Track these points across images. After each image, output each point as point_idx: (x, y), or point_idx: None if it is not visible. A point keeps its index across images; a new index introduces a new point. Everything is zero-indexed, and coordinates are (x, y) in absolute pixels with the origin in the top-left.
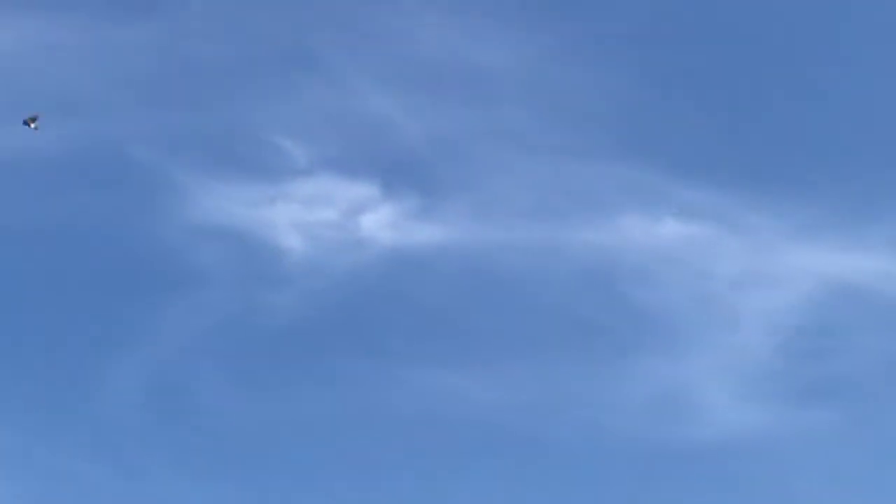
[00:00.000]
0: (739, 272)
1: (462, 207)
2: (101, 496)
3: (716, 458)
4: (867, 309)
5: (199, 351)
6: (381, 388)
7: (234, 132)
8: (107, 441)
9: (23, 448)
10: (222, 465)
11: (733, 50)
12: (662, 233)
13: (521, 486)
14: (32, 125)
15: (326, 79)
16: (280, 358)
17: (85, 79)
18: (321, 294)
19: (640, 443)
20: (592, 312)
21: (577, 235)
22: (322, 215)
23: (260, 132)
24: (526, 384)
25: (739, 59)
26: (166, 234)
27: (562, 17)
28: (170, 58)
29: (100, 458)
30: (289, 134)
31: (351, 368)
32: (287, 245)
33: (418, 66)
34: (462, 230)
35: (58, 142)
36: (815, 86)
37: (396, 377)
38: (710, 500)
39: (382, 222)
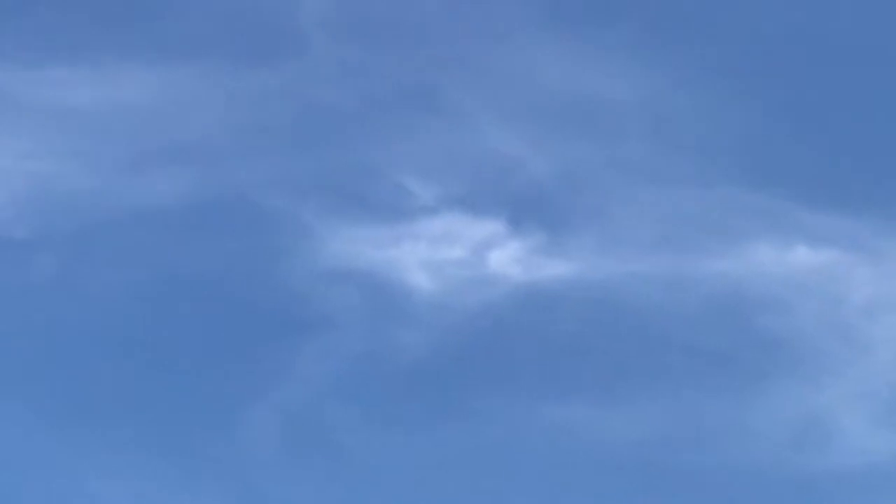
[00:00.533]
0: (872, 298)
1: (589, 241)
2: None
3: (855, 484)
4: None
5: (333, 392)
6: (515, 423)
7: (359, 174)
8: (245, 484)
9: (162, 495)
10: (358, 499)
11: (860, 74)
12: (792, 260)
13: None
14: None
15: (450, 117)
16: (413, 396)
17: (210, 126)
18: (451, 331)
19: (778, 471)
20: (724, 342)
21: (705, 265)
22: (449, 253)
23: (385, 172)
24: (660, 416)
25: (867, 84)
26: (295, 277)
27: (683, 48)
28: (293, 103)
29: (239, 495)
30: (414, 173)
31: (484, 404)
32: (416, 284)
33: (541, 101)
34: (590, 263)
35: (185, 190)
36: None
37: (529, 412)
38: None
39: (510, 258)
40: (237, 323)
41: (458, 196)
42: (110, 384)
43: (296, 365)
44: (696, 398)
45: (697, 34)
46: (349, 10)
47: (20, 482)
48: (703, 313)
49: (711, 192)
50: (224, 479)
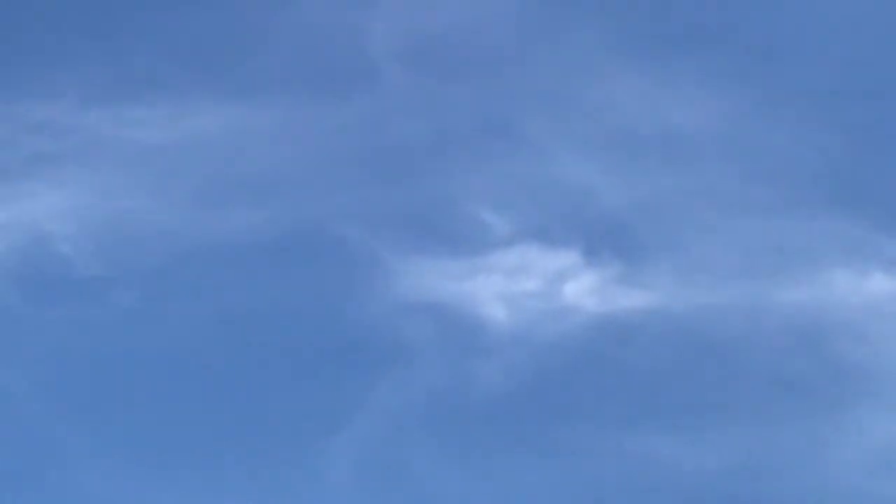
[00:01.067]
0: None
1: (666, 271)
2: None
3: None
4: None
5: (410, 425)
6: (593, 456)
7: (433, 206)
8: None
9: None
10: None
11: None
12: (871, 287)
13: None
14: None
15: (523, 147)
16: (490, 429)
17: (287, 161)
18: (528, 363)
19: (859, 500)
20: (802, 371)
21: (784, 294)
22: (525, 285)
23: (460, 205)
24: (742, 448)
25: None
26: (371, 311)
27: (759, 75)
28: (366, 136)
29: None
30: (489, 205)
31: (562, 437)
32: (492, 316)
33: (615, 130)
34: (667, 294)
35: (263, 224)
36: None
37: (608, 444)
38: None
39: (586, 289)
40: (313, 356)
41: (533, 227)
42: (188, 418)
43: (372, 398)
44: (776, 428)
45: (773, 60)
46: (420, 42)
47: None
48: (782, 342)
49: (789, 221)
50: None
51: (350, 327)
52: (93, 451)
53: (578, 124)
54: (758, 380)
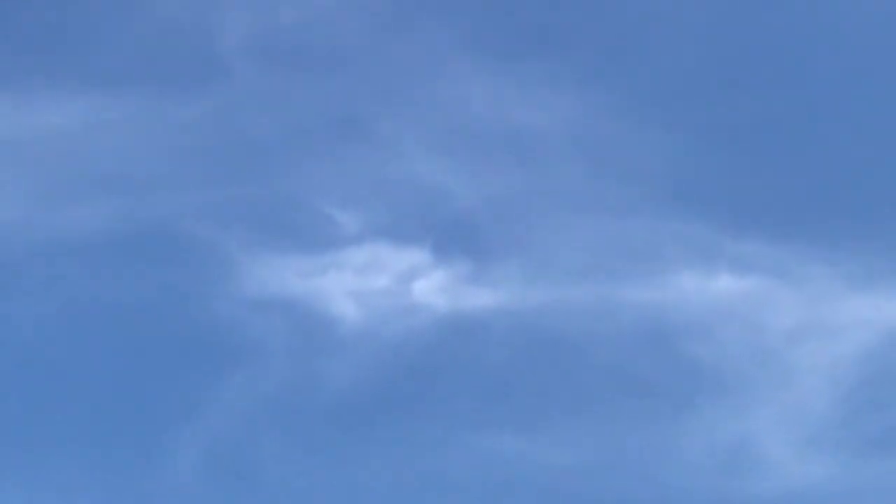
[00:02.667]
0: (796, 324)
1: (515, 269)
2: None
3: None
4: None
5: (259, 420)
6: (441, 454)
7: (285, 203)
8: None
9: None
10: None
11: (783, 101)
12: (716, 287)
13: None
14: None
15: (375, 146)
16: (339, 425)
17: (136, 157)
18: (377, 360)
19: (705, 497)
20: (649, 370)
21: (630, 293)
22: (374, 283)
23: (311, 202)
24: (586, 445)
25: (790, 110)
26: (221, 307)
27: (607, 75)
28: (220, 133)
29: None
30: (339, 203)
31: (410, 434)
32: (341, 313)
33: (467, 130)
34: (515, 292)
35: (112, 219)
36: (868, 134)
37: (455, 441)
38: None
39: (435, 287)
40: (162, 352)
41: (383, 225)
42: (34, 412)
43: (221, 394)
44: (623, 426)
45: (622, 64)
46: (270, 37)
47: None
48: (629, 341)
49: (636, 221)
50: None
51: (200, 323)
52: None
53: (429, 122)
54: (605, 378)
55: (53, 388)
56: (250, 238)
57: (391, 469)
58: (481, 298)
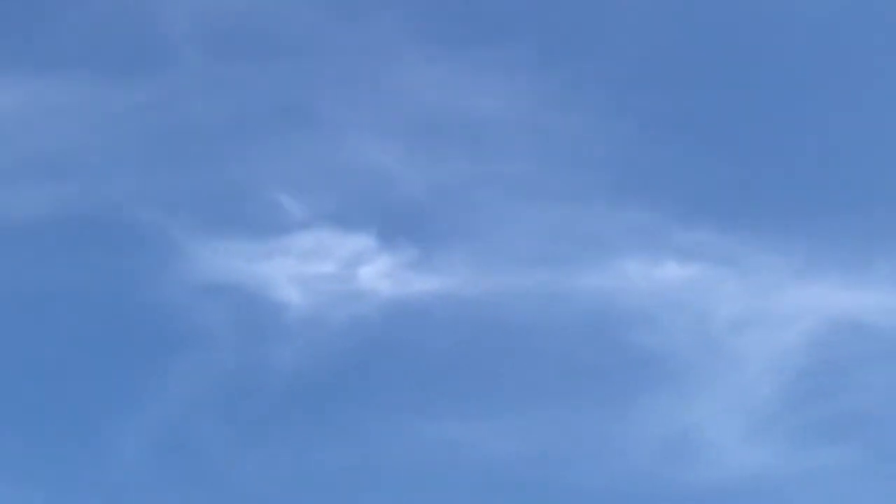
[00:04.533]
0: (741, 312)
1: (461, 256)
2: None
3: (726, 497)
4: (873, 345)
5: (204, 405)
6: (385, 438)
7: (231, 189)
8: (118, 496)
9: (37, 502)
10: None
11: (731, 92)
12: (663, 275)
13: None
14: None
15: (323, 133)
16: (284, 410)
17: (84, 141)
18: (322, 346)
19: (650, 484)
20: (596, 357)
21: (578, 280)
22: (320, 268)
23: (257, 188)
24: (532, 431)
25: (737, 101)
26: (167, 292)
27: (558, 65)
28: (167, 118)
29: None
30: (286, 189)
31: (354, 419)
32: (286, 299)
33: (416, 117)
34: (461, 279)
35: (57, 204)
36: (813, 125)
37: (399, 427)
38: None
39: (380, 273)
40: (105, 337)
41: (329, 211)
42: None
43: (166, 379)
44: (568, 413)
45: (573, 54)
46: (218, 24)
47: None
48: (575, 329)
49: (584, 209)
50: (93, 491)
51: (146, 308)
52: None
53: (377, 110)
54: (550, 366)
55: None
56: (196, 224)
57: (336, 453)
58: (426, 285)
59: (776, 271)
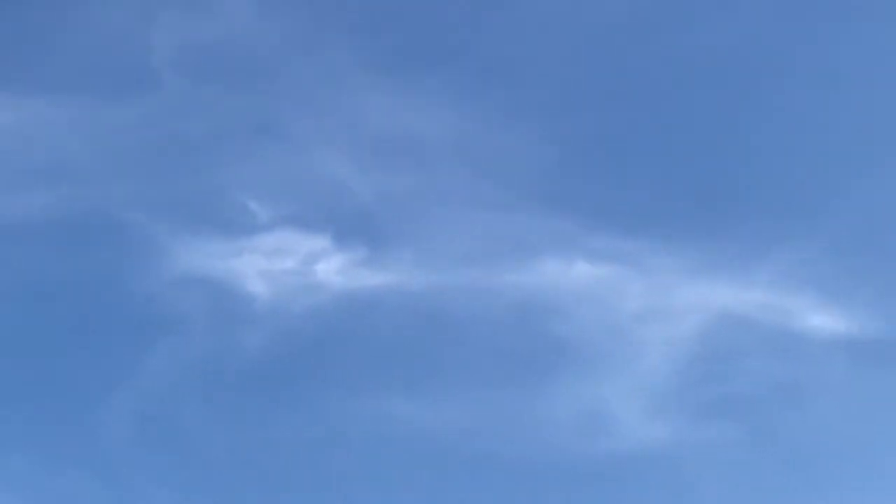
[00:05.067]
0: (642, 307)
1: (405, 256)
2: None
3: (631, 467)
4: (753, 337)
5: (182, 384)
6: (339, 415)
7: (207, 195)
8: (104, 465)
9: (31, 471)
10: (206, 483)
11: (637, 116)
12: (577, 274)
13: (464, 499)
14: None
15: (287, 147)
16: (252, 389)
17: (77, 152)
18: (285, 332)
19: (565, 455)
20: (519, 344)
21: (504, 278)
22: (283, 264)
23: (229, 194)
24: (465, 409)
25: (641, 125)
26: (148, 285)
27: (490, 91)
28: (149, 132)
29: (98, 479)
30: (254, 195)
31: (312, 398)
32: (254, 291)
33: (367, 134)
34: (405, 275)
35: (54, 207)
36: (707, 147)
37: (353, 403)
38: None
39: (336, 269)
40: (94, 324)
41: (291, 215)
42: None
43: (148, 362)
44: (496, 392)
45: (501, 82)
46: (196, 51)
47: None
48: (502, 319)
49: (509, 217)
50: (82, 460)
51: (129, 299)
52: None
53: (334, 128)
54: (481, 351)
55: None
56: (175, 225)
57: (298, 426)
58: (375, 279)
59: (673, 271)
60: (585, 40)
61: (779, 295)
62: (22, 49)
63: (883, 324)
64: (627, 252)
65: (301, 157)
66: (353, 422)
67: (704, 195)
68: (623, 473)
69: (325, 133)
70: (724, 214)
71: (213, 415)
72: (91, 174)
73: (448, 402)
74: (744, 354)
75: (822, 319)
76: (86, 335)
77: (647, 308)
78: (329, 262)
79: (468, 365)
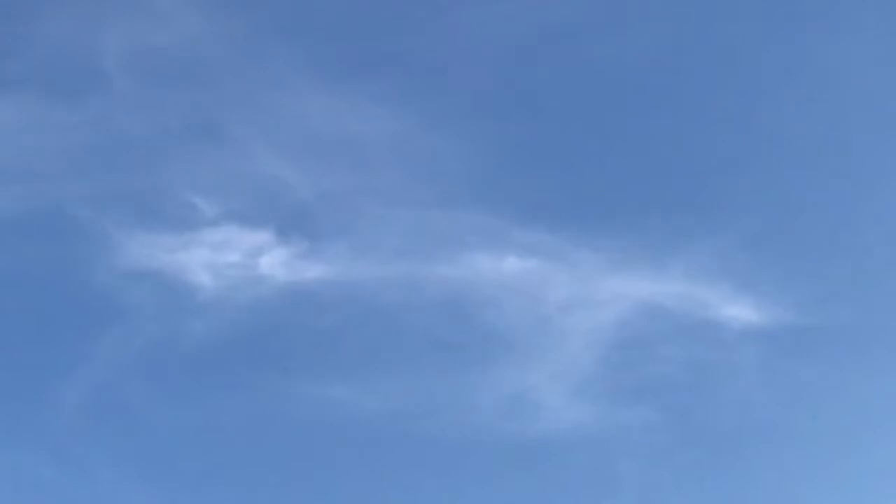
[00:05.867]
0: (566, 298)
1: (343, 249)
2: (54, 493)
3: (556, 447)
4: (668, 325)
5: (131, 369)
6: (280, 399)
7: (154, 192)
8: (57, 446)
9: None
10: (153, 464)
11: (560, 119)
12: (505, 267)
13: (398, 477)
14: None
15: (230, 146)
16: (197, 376)
17: (29, 150)
18: (229, 322)
19: (494, 436)
20: (450, 333)
21: (436, 270)
22: (227, 258)
23: (176, 191)
24: (399, 393)
25: (564, 127)
26: (99, 277)
27: (422, 96)
28: (99, 132)
29: (52, 459)
30: (199, 192)
31: (255, 383)
32: (199, 282)
33: (307, 135)
34: (343, 268)
35: (6, 203)
36: (624, 148)
37: (292, 389)
38: (554, 482)
39: (277, 262)
40: (47, 313)
41: (235, 211)
42: None
43: (99, 350)
44: (428, 378)
45: (434, 87)
46: (145, 55)
47: None
48: (435, 309)
49: (443, 213)
50: (38, 440)
51: (80, 290)
52: None
53: (275, 129)
54: (415, 339)
55: None
56: (124, 220)
57: (241, 411)
58: (315, 272)
59: (595, 264)
60: (513, 48)
61: (693, 286)
62: None
63: (792, 314)
64: (552, 246)
65: (244, 156)
66: (293, 405)
67: (624, 192)
68: (549, 454)
69: (267, 133)
70: (642, 210)
71: (161, 399)
72: (43, 172)
73: (383, 387)
74: (661, 342)
75: (734, 309)
76: (40, 324)
77: (571, 299)
78: (271, 255)
79: (402, 352)
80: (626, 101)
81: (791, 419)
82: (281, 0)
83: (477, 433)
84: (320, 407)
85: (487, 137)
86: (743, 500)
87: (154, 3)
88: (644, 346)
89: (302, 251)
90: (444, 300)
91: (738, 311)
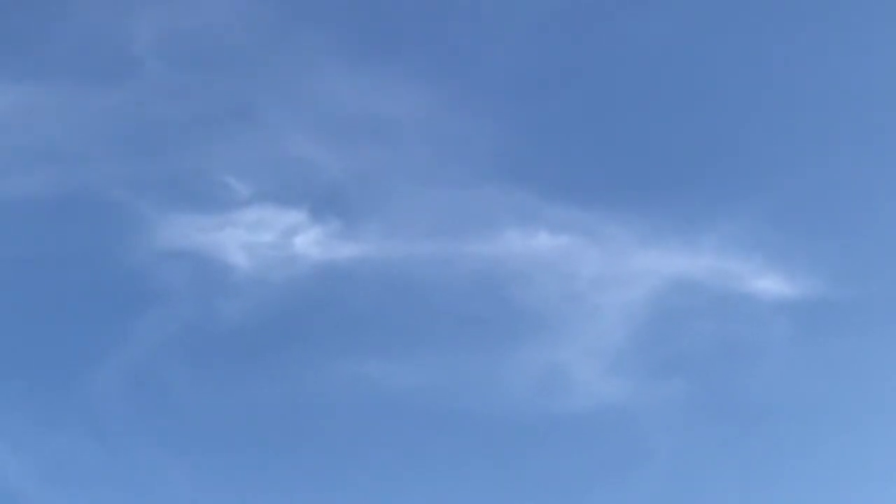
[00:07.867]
0: (599, 273)
1: (375, 228)
2: (92, 472)
3: (588, 423)
4: (701, 300)
5: (168, 349)
6: (315, 376)
7: (189, 174)
8: (96, 425)
9: (29, 431)
10: (191, 441)
11: (589, 97)
12: (537, 244)
13: (432, 453)
14: None
15: (263, 128)
16: (233, 355)
17: (67, 135)
18: (265, 301)
19: (526, 412)
20: (483, 309)
21: (468, 248)
22: (262, 237)
23: (210, 173)
24: (433, 370)
25: (596, 104)
26: (137, 258)
27: (454, 75)
28: (133, 115)
29: (91, 438)
30: (234, 173)
31: (290, 361)
32: (235, 262)
33: (338, 116)
34: (376, 246)
35: (46, 186)
36: (655, 125)
37: (328, 366)
38: (586, 457)
39: (311, 242)
40: (86, 294)
41: (269, 192)
42: None
43: (137, 329)
44: (462, 354)
45: (464, 66)
46: (177, 39)
47: None
48: (467, 287)
49: (474, 191)
50: (77, 418)
51: (119, 271)
52: None
53: (308, 111)
54: (448, 316)
55: None
56: (160, 201)
57: (277, 389)
58: (348, 251)
59: (626, 240)
60: (541, 25)
61: (726, 260)
62: (13, 40)
63: (824, 286)
64: (584, 223)
65: (277, 138)
66: (329, 383)
67: (656, 167)
68: (581, 429)
69: (299, 114)
70: (674, 185)
71: (198, 378)
72: (80, 155)
73: (417, 365)
74: (693, 317)
75: (766, 283)
76: (78, 305)
77: (603, 274)
78: (305, 235)
79: (436, 329)
80: (657, 76)
81: (823, 392)
82: None
83: (510, 409)
84: (354, 384)
85: (517, 115)
86: (775, 473)
87: None
88: (676, 321)
89: (335, 230)
90: (476, 277)
91: (770, 284)
